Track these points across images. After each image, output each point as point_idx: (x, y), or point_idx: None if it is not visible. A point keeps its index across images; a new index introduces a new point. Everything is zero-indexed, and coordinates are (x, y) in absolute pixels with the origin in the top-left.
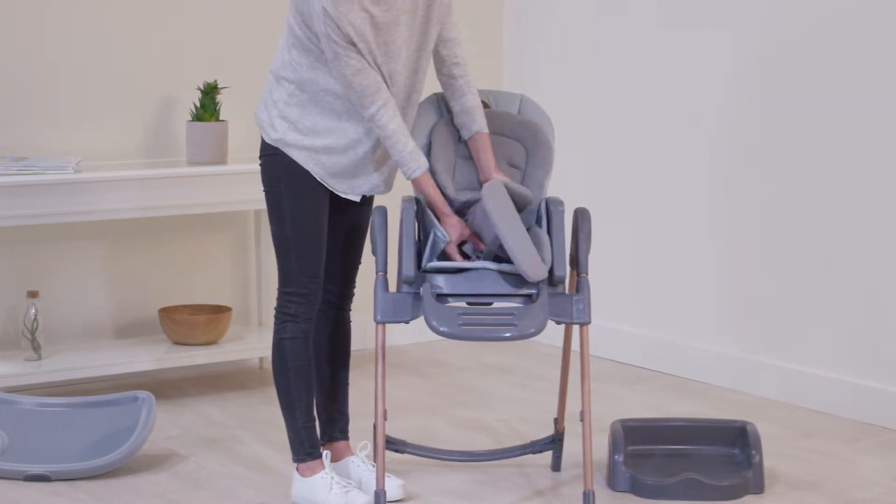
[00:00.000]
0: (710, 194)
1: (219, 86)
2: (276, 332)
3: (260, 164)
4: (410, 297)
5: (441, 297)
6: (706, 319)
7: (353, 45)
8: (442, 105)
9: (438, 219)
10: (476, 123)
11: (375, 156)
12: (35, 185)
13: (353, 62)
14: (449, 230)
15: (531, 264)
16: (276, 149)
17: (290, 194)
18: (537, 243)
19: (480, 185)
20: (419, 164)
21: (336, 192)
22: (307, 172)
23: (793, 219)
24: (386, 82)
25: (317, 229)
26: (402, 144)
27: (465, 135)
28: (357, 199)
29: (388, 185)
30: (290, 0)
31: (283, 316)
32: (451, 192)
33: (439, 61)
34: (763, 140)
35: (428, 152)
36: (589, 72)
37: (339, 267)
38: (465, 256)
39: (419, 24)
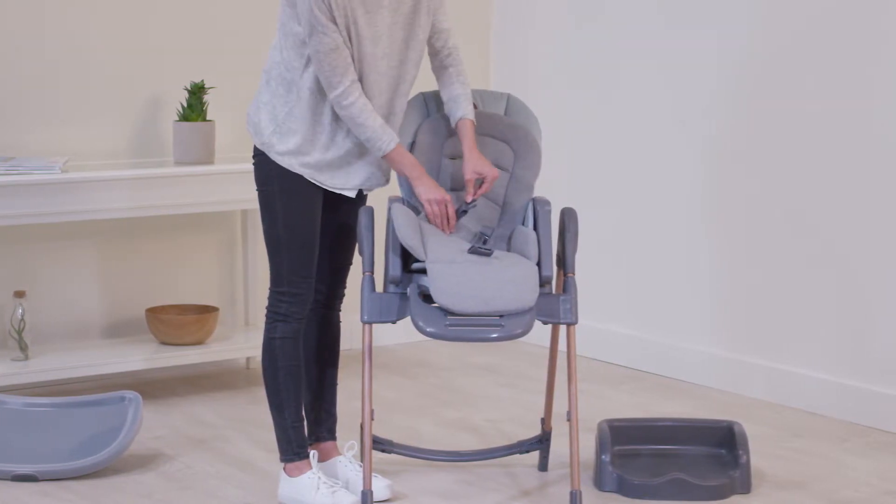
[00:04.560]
0: (698, 194)
1: (206, 86)
2: (267, 331)
3: (253, 164)
4: (397, 298)
5: (428, 298)
6: (694, 319)
7: (334, 21)
8: (429, 104)
9: (413, 186)
10: (460, 110)
11: (362, 147)
12: (22, 185)
13: (329, 39)
14: (420, 191)
15: (516, 305)
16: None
17: (282, 194)
18: (523, 242)
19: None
20: (391, 137)
21: (331, 190)
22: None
23: (780, 219)
24: (354, 63)
25: (309, 229)
26: (371, 121)
27: (452, 122)
28: (352, 194)
29: (385, 176)
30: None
31: (275, 315)
32: None
33: (433, 53)
34: (750, 140)
35: (412, 151)
36: (576, 72)
37: (328, 267)
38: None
39: (406, 11)
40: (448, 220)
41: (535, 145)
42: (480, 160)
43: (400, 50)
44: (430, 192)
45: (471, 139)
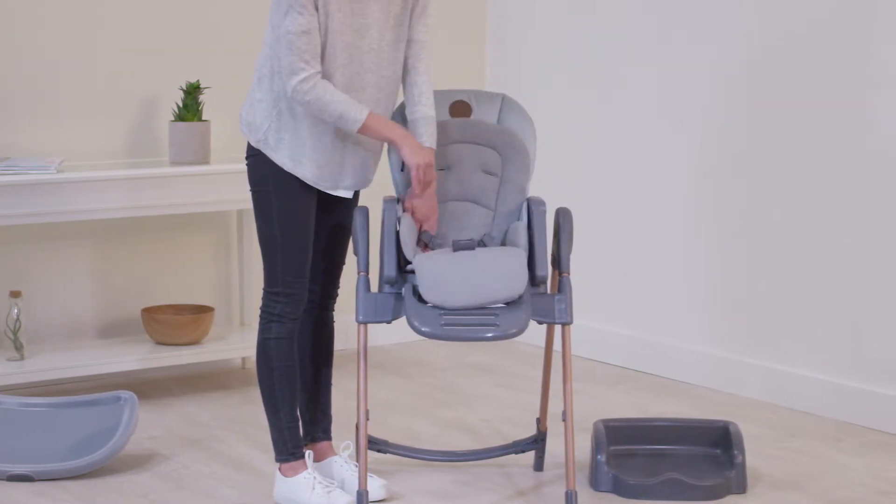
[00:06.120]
0: (695, 194)
1: (201, 86)
2: (261, 332)
3: (247, 164)
4: (392, 297)
5: (423, 297)
6: (689, 319)
7: (315, 4)
8: None
9: (398, 148)
10: (419, 137)
11: (349, 144)
12: (18, 185)
13: (304, 20)
14: (406, 153)
15: (503, 293)
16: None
17: (277, 194)
18: (514, 234)
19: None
20: (361, 106)
21: (325, 191)
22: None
23: (777, 219)
24: (336, 53)
25: (303, 229)
26: (338, 96)
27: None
28: (349, 195)
29: (368, 178)
30: None
31: (269, 316)
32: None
33: (404, 63)
34: (747, 140)
35: (402, 167)
36: (572, 72)
37: (322, 267)
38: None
39: (396, 11)
40: (428, 184)
41: (522, 148)
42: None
43: (390, 49)
44: (416, 155)
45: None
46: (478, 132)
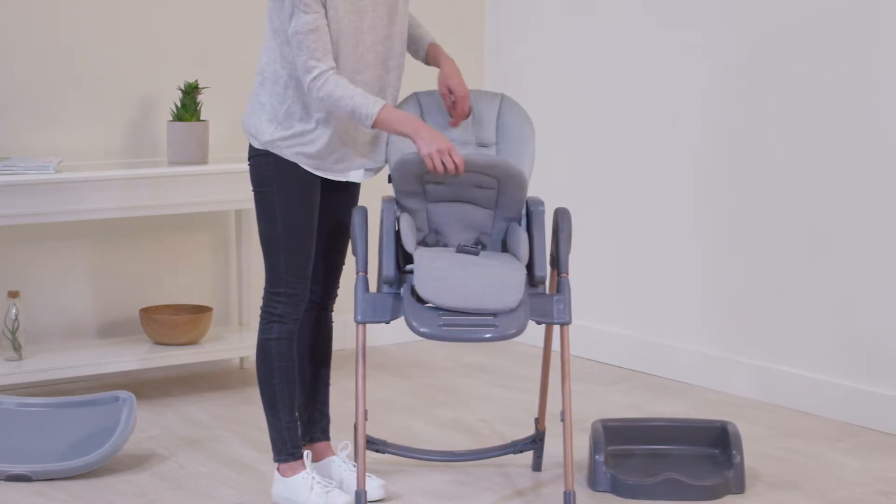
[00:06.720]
0: (693, 195)
1: (199, 86)
2: (262, 332)
3: (249, 165)
4: (391, 298)
5: (422, 298)
6: (687, 319)
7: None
8: (423, 103)
9: (413, 141)
10: (424, 39)
11: (358, 131)
12: (16, 185)
13: (310, 18)
14: (420, 145)
15: (496, 303)
16: (266, 150)
17: (280, 194)
18: (515, 242)
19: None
20: (374, 100)
21: (335, 178)
22: (297, 172)
23: (774, 219)
24: (344, 37)
25: (306, 229)
26: (350, 91)
27: (423, 50)
28: (359, 180)
29: (379, 160)
30: None
31: (270, 316)
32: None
33: None
34: (746, 141)
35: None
36: (571, 72)
37: (323, 267)
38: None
39: None
40: (456, 166)
41: (516, 172)
42: (454, 75)
43: (385, 24)
44: (430, 144)
45: (444, 54)
46: (471, 161)
